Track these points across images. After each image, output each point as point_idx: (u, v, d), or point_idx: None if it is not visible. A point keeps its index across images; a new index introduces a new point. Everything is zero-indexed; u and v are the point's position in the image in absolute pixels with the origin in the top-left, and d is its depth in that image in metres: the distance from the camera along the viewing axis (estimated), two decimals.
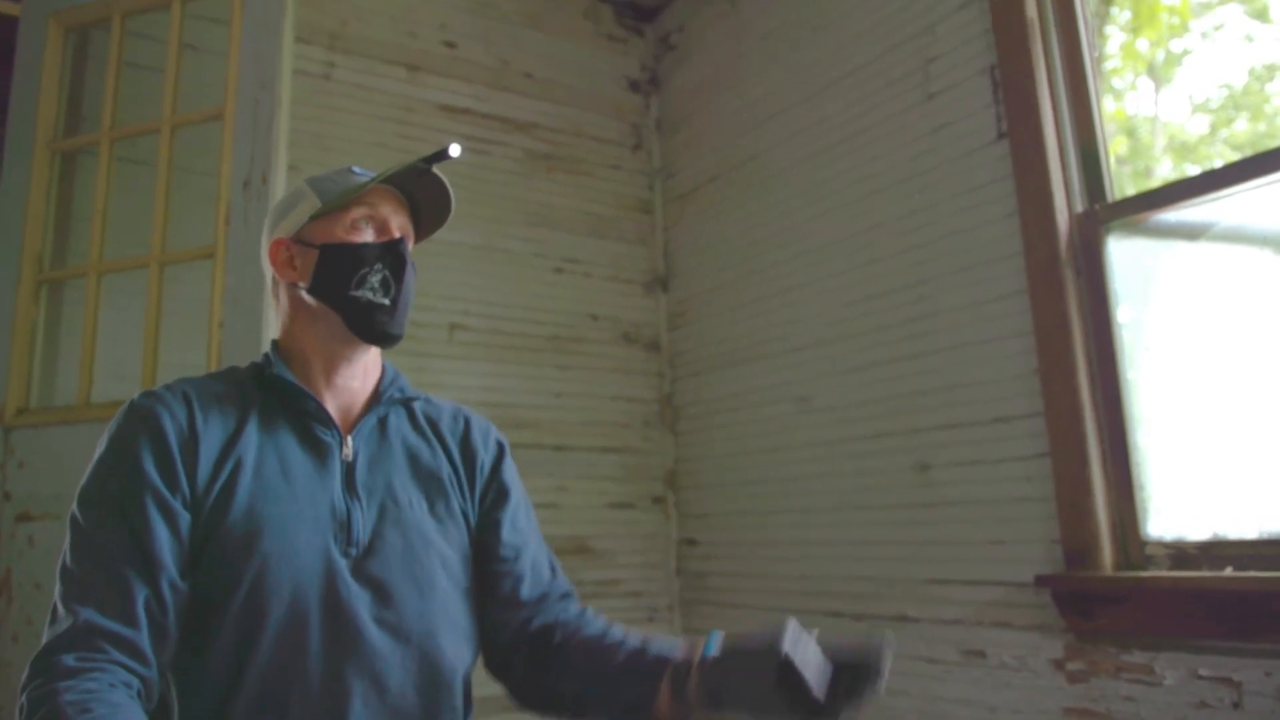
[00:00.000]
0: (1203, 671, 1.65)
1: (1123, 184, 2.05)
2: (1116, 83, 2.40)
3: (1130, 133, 2.39)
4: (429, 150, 1.17)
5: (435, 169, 1.17)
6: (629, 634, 1.17)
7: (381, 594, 1.08)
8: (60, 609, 0.97)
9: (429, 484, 1.20)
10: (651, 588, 2.97)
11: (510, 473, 1.30)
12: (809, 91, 2.65)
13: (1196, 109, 2.32)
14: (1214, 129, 2.29)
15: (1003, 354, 2.05)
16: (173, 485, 1.03)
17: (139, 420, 1.06)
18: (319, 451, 1.13)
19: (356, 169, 1.21)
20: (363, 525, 1.11)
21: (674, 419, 3.10)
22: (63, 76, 2.27)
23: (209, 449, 1.06)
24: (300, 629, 1.03)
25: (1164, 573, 1.75)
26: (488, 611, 1.22)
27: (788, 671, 0.91)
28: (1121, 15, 2.41)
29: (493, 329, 2.84)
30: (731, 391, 2.85)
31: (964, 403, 2.12)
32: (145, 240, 2.12)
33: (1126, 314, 1.91)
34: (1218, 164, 1.80)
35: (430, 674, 1.10)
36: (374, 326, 1.14)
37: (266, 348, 1.20)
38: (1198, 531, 1.75)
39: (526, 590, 1.23)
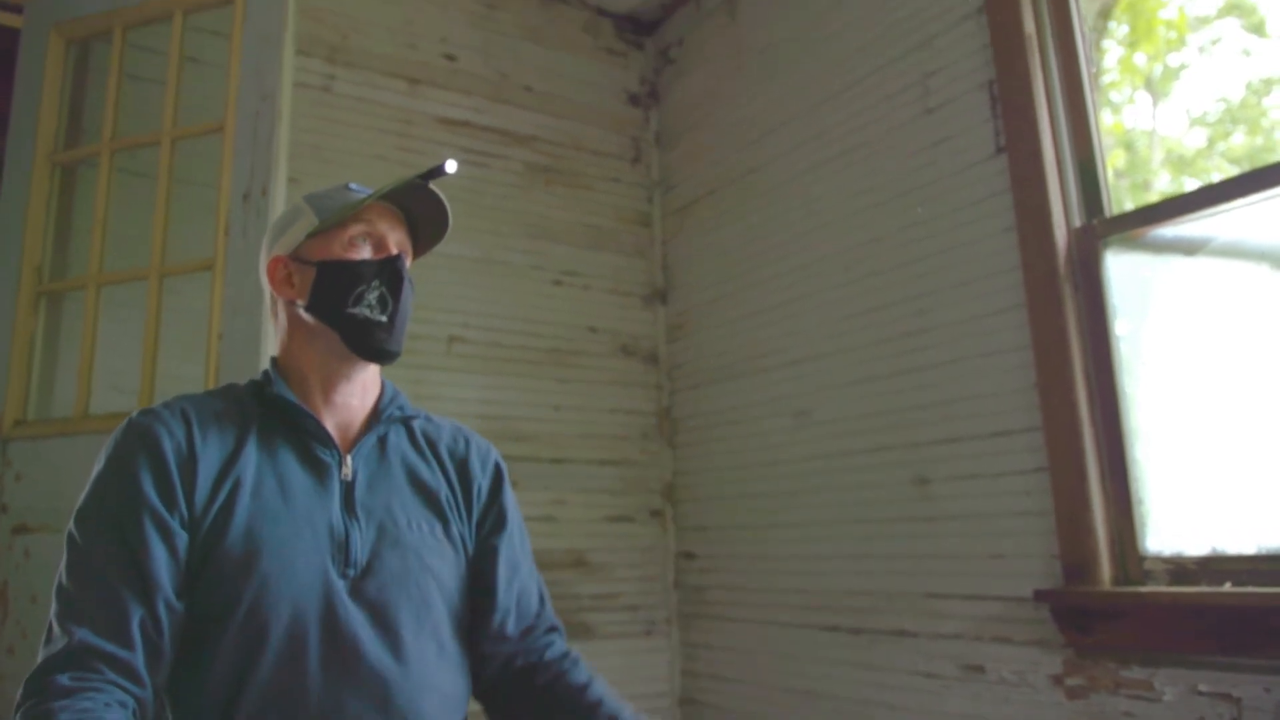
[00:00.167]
0: (1202, 687, 1.65)
1: (1121, 197, 2.05)
2: (1114, 96, 2.41)
3: (1128, 146, 2.39)
4: (428, 163, 1.17)
5: (432, 185, 1.17)
6: (605, 696, 1.19)
7: (378, 615, 1.08)
8: (55, 628, 0.97)
9: (428, 505, 1.19)
10: (649, 601, 2.96)
11: (508, 499, 1.29)
12: (808, 105, 2.66)
13: (1194, 123, 2.32)
14: (1211, 143, 2.30)
15: (1001, 368, 2.05)
16: (170, 505, 1.02)
17: (137, 439, 1.06)
18: (318, 471, 1.12)
19: (354, 185, 1.21)
20: (361, 546, 1.10)
21: (672, 432, 3.10)
22: (63, 88, 2.27)
23: (207, 469, 1.06)
24: (300, 650, 1.02)
25: (1163, 588, 1.75)
26: (475, 643, 1.22)
27: None
28: (1119, 29, 2.42)
29: (491, 341, 2.84)
30: (730, 404, 2.85)
31: (963, 417, 2.12)
32: (145, 252, 2.12)
33: (1124, 329, 1.91)
34: (1215, 178, 1.81)
35: (427, 696, 1.09)
36: (371, 343, 1.14)
37: (265, 360, 1.20)
38: (1196, 547, 1.75)
39: (513, 625, 1.23)
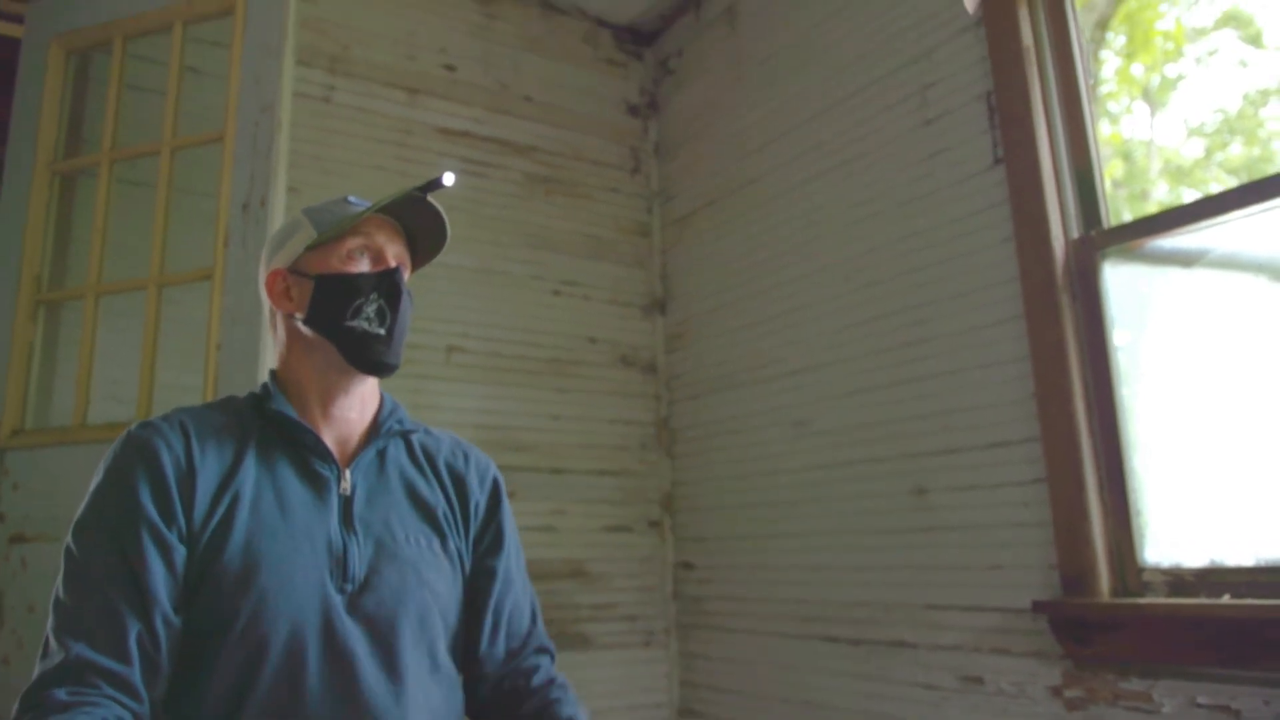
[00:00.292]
0: (1201, 699, 1.64)
1: (1119, 207, 2.06)
2: (1112, 107, 2.41)
3: (1126, 156, 2.40)
4: (428, 173, 1.18)
5: (430, 197, 1.17)
6: None
7: (376, 631, 1.07)
8: (52, 642, 0.97)
9: (426, 520, 1.19)
10: (648, 611, 2.95)
11: (506, 516, 1.29)
12: (807, 116, 2.67)
13: (1191, 133, 2.33)
14: (1209, 153, 2.30)
15: (1000, 379, 2.05)
16: (168, 519, 1.02)
17: (136, 452, 1.05)
18: (317, 486, 1.12)
19: (352, 198, 1.21)
20: (359, 561, 1.10)
21: (671, 442, 3.10)
22: (64, 98, 2.28)
23: (206, 482, 1.06)
24: (298, 665, 1.02)
25: (1161, 600, 1.75)
26: (465, 662, 1.22)
27: None
28: (1116, 40, 2.43)
29: (491, 351, 2.84)
30: (729, 414, 2.85)
31: (961, 427, 2.12)
32: (144, 261, 2.12)
33: (1123, 340, 1.91)
34: (1213, 188, 1.81)
35: (420, 715, 1.09)
36: (370, 356, 1.14)
37: (264, 371, 1.20)
38: (1195, 558, 1.74)
39: (502, 646, 1.23)
